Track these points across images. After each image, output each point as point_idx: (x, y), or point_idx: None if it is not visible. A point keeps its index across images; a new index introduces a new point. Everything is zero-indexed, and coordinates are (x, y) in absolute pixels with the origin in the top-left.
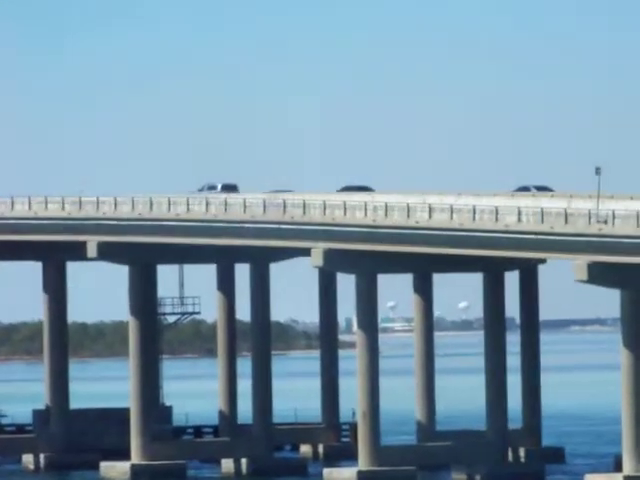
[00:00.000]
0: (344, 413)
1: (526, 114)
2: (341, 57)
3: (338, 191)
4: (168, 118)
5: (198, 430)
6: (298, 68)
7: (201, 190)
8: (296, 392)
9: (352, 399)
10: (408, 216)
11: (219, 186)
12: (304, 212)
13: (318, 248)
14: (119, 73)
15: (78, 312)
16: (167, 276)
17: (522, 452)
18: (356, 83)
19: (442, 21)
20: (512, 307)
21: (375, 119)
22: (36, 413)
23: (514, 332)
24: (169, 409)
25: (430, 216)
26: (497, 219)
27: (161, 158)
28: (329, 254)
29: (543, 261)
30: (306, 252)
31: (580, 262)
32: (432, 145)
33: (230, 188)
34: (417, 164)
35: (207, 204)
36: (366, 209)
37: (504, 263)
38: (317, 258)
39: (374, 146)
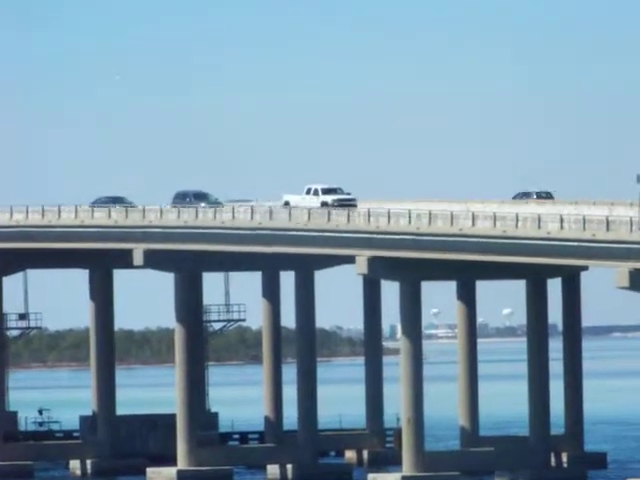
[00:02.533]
0: (388, 419)
1: (568, 121)
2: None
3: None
4: (202, 127)
5: (244, 436)
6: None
7: None
8: (341, 398)
9: (396, 405)
10: (452, 224)
11: None
12: (348, 220)
13: (362, 256)
14: (148, 81)
15: (125, 319)
16: (213, 283)
17: (565, 457)
18: (393, 88)
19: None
20: (555, 313)
21: (411, 127)
22: (83, 419)
23: (557, 338)
24: (215, 415)
25: (473, 224)
26: (540, 226)
27: (206, 169)
28: (373, 262)
29: (585, 268)
30: (350, 260)
31: (622, 269)
32: (476, 154)
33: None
34: (460, 173)
35: (252, 212)
36: (410, 217)
37: (547, 270)
38: (361, 266)
39: (416, 156)
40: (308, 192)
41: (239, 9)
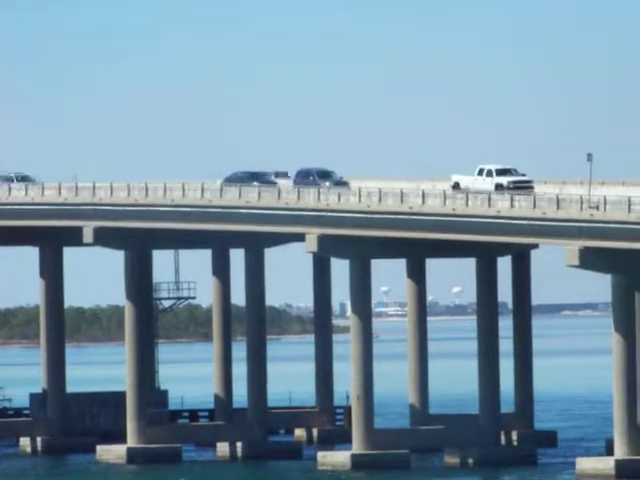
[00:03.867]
0: (338, 397)
1: (516, 100)
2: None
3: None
4: (165, 105)
5: (193, 414)
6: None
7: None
8: (291, 376)
9: (346, 383)
10: (402, 202)
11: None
12: (298, 198)
13: (312, 234)
14: (112, 59)
15: (75, 297)
16: (163, 261)
17: (514, 436)
18: (345, 73)
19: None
20: (505, 292)
21: (366, 107)
22: (33, 397)
23: (507, 317)
24: (165, 393)
25: (423, 202)
26: (490, 205)
27: (156, 145)
28: (323, 240)
29: (535, 246)
30: (300, 237)
31: (572, 247)
32: (424, 132)
33: (24, 178)
34: (409, 151)
35: (202, 190)
36: (360, 195)
37: (497, 248)
38: (311, 244)
39: (366, 135)
40: (480, 173)
41: None
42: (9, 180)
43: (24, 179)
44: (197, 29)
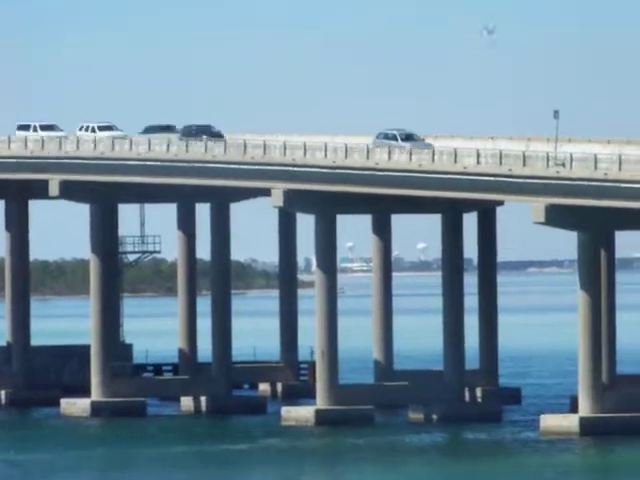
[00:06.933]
0: (303, 352)
1: (484, 53)
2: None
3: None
4: (138, 54)
5: (158, 368)
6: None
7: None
8: (255, 331)
9: (311, 338)
10: (368, 157)
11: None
12: (264, 152)
13: (278, 188)
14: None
15: (40, 250)
16: (128, 215)
17: (479, 392)
18: (348, 26)
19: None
20: (470, 248)
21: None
22: None
23: (472, 273)
24: (129, 347)
25: (389, 157)
26: (456, 161)
27: (126, 96)
28: (289, 194)
29: (501, 203)
30: (266, 192)
31: (538, 204)
32: (402, 87)
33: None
34: (378, 106)
35: (169, 144)
36: (326, 150)
37: (462, 205)
38: (277, 198)
39: (333, 88)
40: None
41: None
42: (393, 139)
43: (408, 138)
44: None
